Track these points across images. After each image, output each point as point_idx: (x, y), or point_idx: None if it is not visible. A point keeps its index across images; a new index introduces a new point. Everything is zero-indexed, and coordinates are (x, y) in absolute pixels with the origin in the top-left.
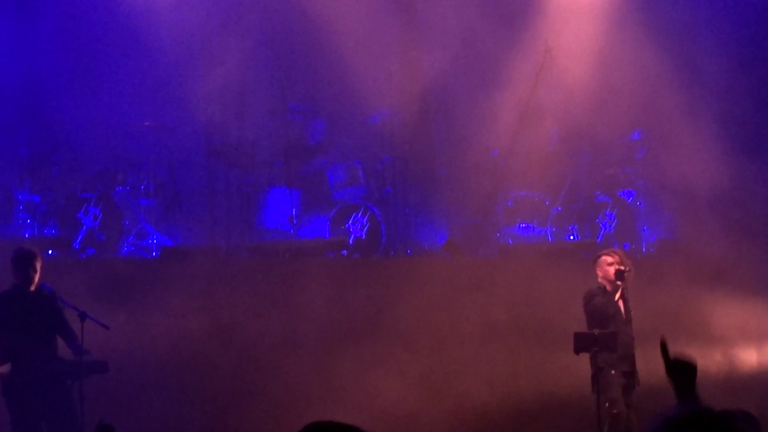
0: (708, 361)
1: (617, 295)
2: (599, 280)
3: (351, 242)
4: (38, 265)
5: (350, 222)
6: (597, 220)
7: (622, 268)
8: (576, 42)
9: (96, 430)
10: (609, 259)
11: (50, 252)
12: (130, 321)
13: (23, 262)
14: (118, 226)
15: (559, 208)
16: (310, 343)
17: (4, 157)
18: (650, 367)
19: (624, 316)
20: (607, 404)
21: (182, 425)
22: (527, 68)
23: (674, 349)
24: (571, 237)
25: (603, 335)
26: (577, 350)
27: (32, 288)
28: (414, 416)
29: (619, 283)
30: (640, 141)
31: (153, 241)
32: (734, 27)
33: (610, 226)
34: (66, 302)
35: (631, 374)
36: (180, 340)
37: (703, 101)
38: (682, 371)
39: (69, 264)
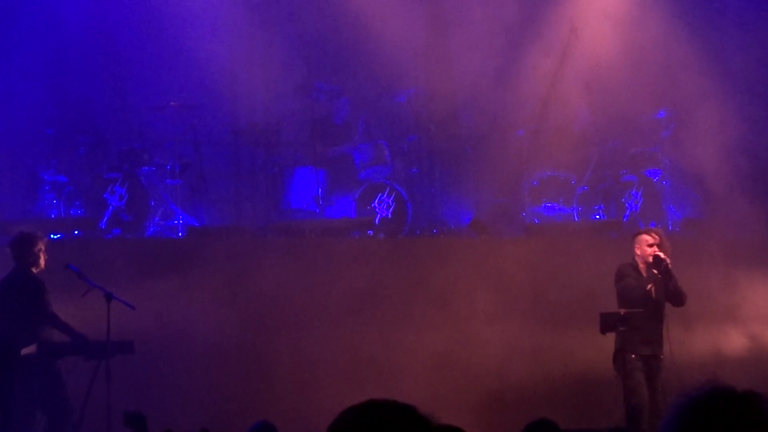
0: (735, 340)
1: (650, 285)
2: (635, 257)
3: (377, 222)
4: (43, 247)
5: (376, 202)
6: (623, 200)
7: (662, 256)
8: (601, 21)
9: (124, 419)
10: (650, 239)
11: (76, 232)
12: (155, 301)
13: (27, 245)
14: (144, 206)
15: (585, 188)
16: (336, 323)
17: (30, 138)
18: (675, 347)
19: (653, 300)
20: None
21: (208, 404)
22: (553, 47)
23: (702, 328)
24: (597, 216)
25: (630, 315)
26: (603, 330)
27: (37, 270)
28: (440, 394)
29: (654, 271)
30: (665, 120)
31: (179, 222)
32: (760, 5)
33: (636, 206)
34: (92, 282)
35: (654, 357)
36: (206, 319)
37: (728, 79)
38: None
39: (95, 244)
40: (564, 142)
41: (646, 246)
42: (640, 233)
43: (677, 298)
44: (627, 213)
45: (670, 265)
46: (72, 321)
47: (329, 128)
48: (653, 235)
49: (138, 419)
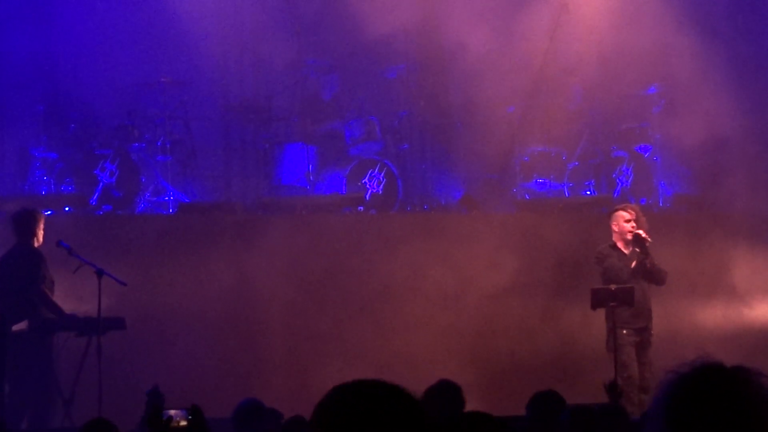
0: (726, 315)
1: (634, 263)
2: (612, 234)
3: (367, 198)
4: (42, 225)
5: (367, 178)
6: (614, 175)
7: (642, 234)
8: None
9: (147, 395)
10: (626, 215)
11: (67, 209)
12: (146, 277)
13: (32, 221)
14: (135, 182)
15: (576, 163)
16: (326, 298)
17: (20, 114)
18: (665, 323)
19: (637, 273)
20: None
21: (199, 380)
22: (544, 23)
23: (695, 303)
24: (588, 192)
25: (620, 290)
26: (594, 305)
27: (37, 245)
28: (431, 370)
29: (637, 249)
30: (656, 95)
31: (170, 198)
32: None
33: (627, 181)
34: (83, 259)
35: (645, 330)
36: (196, 295)
37: (718, 55)
38: None
39: (86, 221)
40: (555, 117)
41: (624, 222)
42: (616, 210)
43: (657, 277)
44: (618, 189)
45: (648, 243)
46: (63, 297)
47: (320, 104)
48: (629, 211)
49: (157, 397)
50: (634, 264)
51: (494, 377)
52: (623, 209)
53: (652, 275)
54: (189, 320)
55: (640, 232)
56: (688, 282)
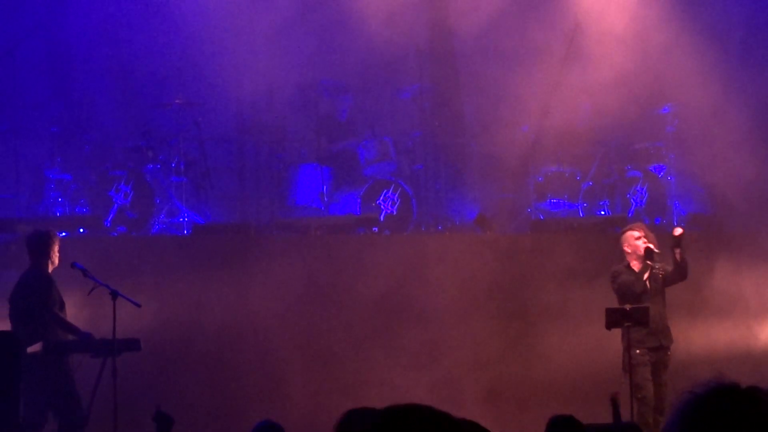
0: (740, 335)
1: (646, 275)
2: (626, 256)
3: (382, 219)
4: (57, 246)
5: (381, 198)
6: (628, 195)
7: (652, 246)
8: (605, 16)
9: (153, 419)
10: (636, 233)
11: (81, 230)
12: (161, 298)
13: (46, 243)
14: (149, 203)
15: (590, 183)
16: (340, 319)
17: (34, 136)
18: (681, 342)
19: (651, 292)
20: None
21: (214, 401)
22: (557, 43)
23: (709, 322)
24: (602, 212)
25: (635, 310)
26: (609, 325)
27: (51, 268)
28: (446, 391)
29: (648, 262)
30: (670, 115)
31: (184, 219)
32: (765, 4)
33: (641, 201)
34: (97, 280)
35: (661, 349)
36: (211, 316)
37: (732, 74)
38: None
39: (100, 242)
40: (569, 137)
41: (635, 241)
42: (624, 232)
43: (682, 270)
44: (632, 208)
45: (657, 254)
46: (78, 319)
47: (334, 125)
48: (637, 229)
49: (165, 420)
50: (646, 276)
51: (509, 398)
52: (631, 229)
53: (679, 269)
54: (204, 341)
55: (651, 245)
56: (702, 301)
